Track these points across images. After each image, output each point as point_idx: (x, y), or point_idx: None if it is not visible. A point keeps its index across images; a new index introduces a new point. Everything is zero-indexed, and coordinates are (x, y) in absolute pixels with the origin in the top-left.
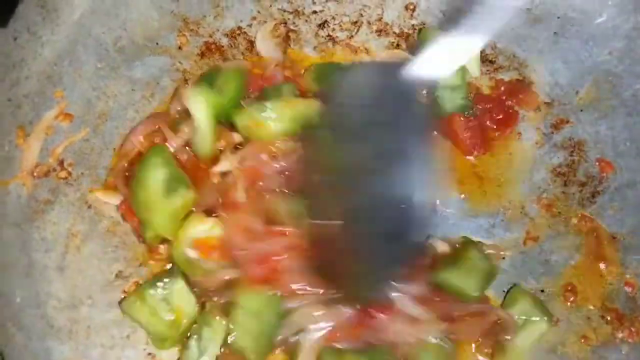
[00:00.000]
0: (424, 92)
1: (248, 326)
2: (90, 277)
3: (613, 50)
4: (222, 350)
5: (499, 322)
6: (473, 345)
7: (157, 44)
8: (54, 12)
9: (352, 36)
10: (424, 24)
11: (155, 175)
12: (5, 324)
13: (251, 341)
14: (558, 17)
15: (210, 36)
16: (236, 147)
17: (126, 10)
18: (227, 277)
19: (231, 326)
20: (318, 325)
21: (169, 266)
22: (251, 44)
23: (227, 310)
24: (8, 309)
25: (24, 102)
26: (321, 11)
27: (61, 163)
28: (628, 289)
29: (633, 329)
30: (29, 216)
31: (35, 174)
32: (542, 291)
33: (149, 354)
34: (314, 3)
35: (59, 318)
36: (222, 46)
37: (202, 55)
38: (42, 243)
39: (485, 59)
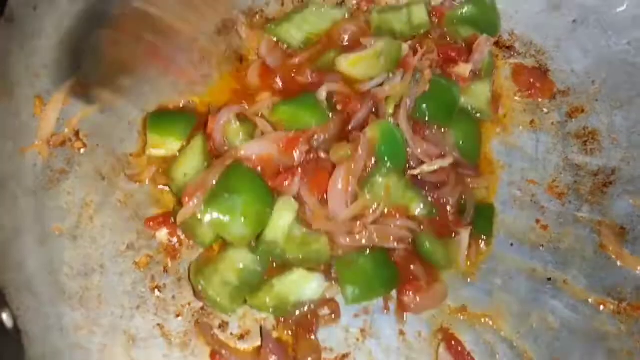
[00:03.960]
0: None
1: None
2: (103, 246)
3: (632, 40)
4: None
5: None
6: None
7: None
8: None
9: None
10: None
11: None
12: (19, 289)
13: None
14: (578, 5)
15: (228, 13)
16: None
17: None
18: None
19: None
20: None
21: None
22: (268, 21)
23: None
24: (22, 274)
25: (42, 72)
26: None
27: (77, 134)
28: None
29: None
30: (44, 185)
31: (51, 143)
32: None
33: (158, 324)
34: None
35: (71, 285)
36: None
37: (219, 32)
38: (56, 211)
39: (502, 44)
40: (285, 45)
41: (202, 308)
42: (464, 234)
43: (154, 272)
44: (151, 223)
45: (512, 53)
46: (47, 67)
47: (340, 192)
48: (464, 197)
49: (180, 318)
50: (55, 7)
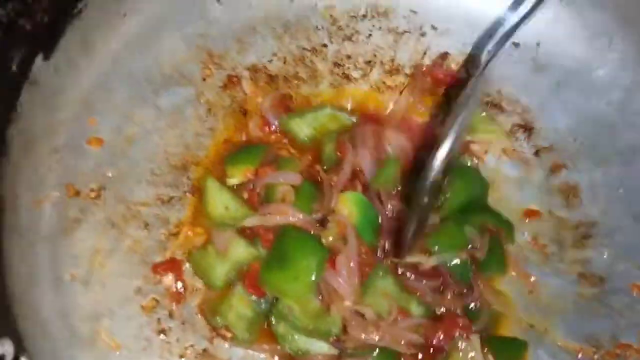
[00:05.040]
0: None
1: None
2: (112, 291)
3: (610, 101)
4: None
5: None
6: None
7: (182, 75)
8: (92, 45)
9: (365, 75)
10: None
11: None
12: (34, 335)
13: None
14: (561, 66)
15: (233, 69)
16: None
17: (157, 43)
18: None
19: None
20: None
21: None
22: (271, 77)
23: None
24: (37, 320)
25: (60, 128)
26: (337, 50)
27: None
28: None
29: None
30: (59, 233)
31: (67, 194)
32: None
33: None
34: (331, 42)
35: (83, 329)
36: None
37: (224, 87)
38: (70, 258)
39: (490, 102)
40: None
41: (204, 350)
42: (475, 340)
43: (160, 316)
44: (158, 269)
45: (499, 111)
46: (65, 123)
47: (346, 284)
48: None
49: (183, 359)
50: (75, 67)
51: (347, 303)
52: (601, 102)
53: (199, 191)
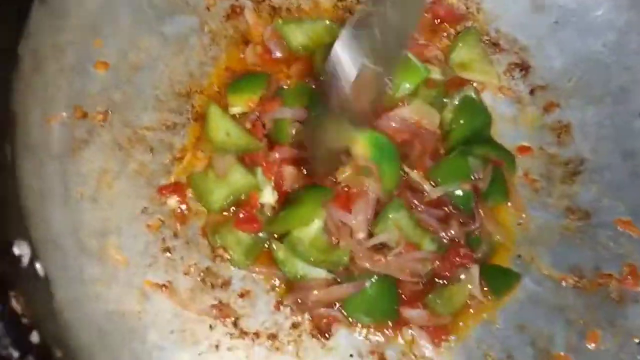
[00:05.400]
0: None
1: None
2: (119, 210)
3: (607, 42)
4: None
5: None
6: None
7: (187, 3)
8: None
9: None
10: None
11: None
12: (46, 244)
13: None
14: (559, 7)
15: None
16: None
17: None
18: None
19: None
20: None
21: None
22: (274, 9)
23: None
24: (49, 232)
25: (67, 49)
26: None
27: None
28: None
29: None
30: (67, 152)
31: (75, 115)
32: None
33: (167, 281)
34: None
35: (91, 243)
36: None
37: (228, 17)
38: (78, 177)
39: (489, 41)
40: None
41: (207, 268)
42: (474, 270)
43: (165, 235)
44: (163, 191)
45: (497, 49)
46: (72, 44)
47: (362, 221)
48: (476, 232)
49: (187, 276)
50: None
51: (361, 235)
52: (597, 42)
53: (202, 118)
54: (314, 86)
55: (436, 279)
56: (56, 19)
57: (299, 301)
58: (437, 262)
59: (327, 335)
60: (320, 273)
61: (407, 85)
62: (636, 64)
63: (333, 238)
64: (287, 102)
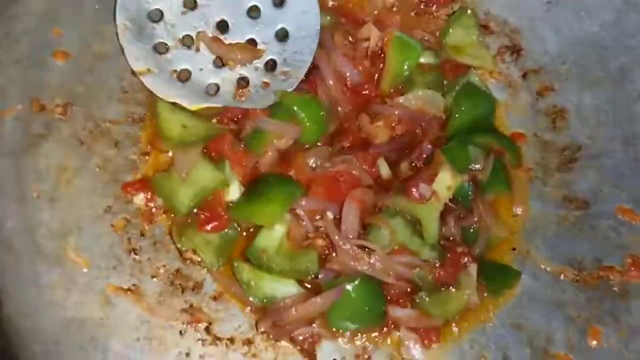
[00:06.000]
0: None
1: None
2: (80, 209)
3: (603, 23)
4: None
5: None
6: None
7: None
8: None
9: None
10: None
11: None
12: None
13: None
14: None
15: None
16: None
17: None
18: None
19: None
20: None
21: None
22: None
23: None
24: (0, 232)
25: (22, 38)
26: None
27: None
28: None
29: None
30: (23, 148)
31: (31, 108)
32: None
33: (133, 284)
34: None
35: (48, 245)
36: None
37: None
38: (34, 174)
39: (478, 24)
40: None
41: (177, 270)
42: (472, 270)
43: (131, 235)
44: (129, 188)
45: (487, 32)
46: (28, 33)
47: (352, 219)
48: (472, 227)
49: (155, 279)
50: None
51: (350, 236)
52: (594, 23)
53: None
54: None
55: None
56: (8, 6)
57: (275, 324)
58: (440, 271)
59: (313, 356)
60: (290, 289)
61: (406, 65)
62: (635, 44)
63: (300, 241)
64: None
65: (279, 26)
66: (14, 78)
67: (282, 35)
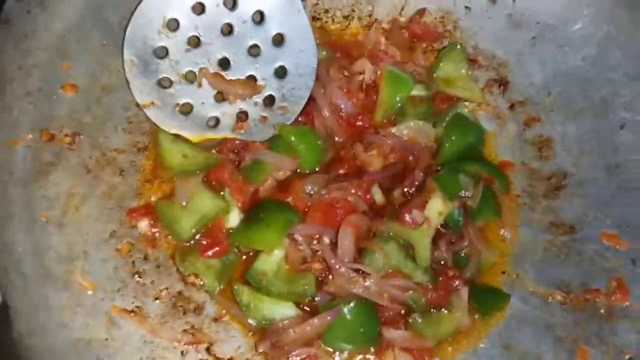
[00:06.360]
0: None
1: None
2: (87, 234)
3: (586, 56)
4: None
5: None
6: None
7: None
8: None
9: (343, 29)
10: None
11: None
12: (7, 269)
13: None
14: (537, 23)
15: None
16: None
17: None
18: None
19: None
20: None
21: None
22: None
23: None
24: (10, 257)
25: (33, 71)
26: (315, 4)
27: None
28: None
29: None
30: (33, 176)
31: (41, 138)
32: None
33: (137, 306)
34: None
35: (57, 269)
36: None
37: None
38: (44, 201)
39: (467, 58)
40: None
41: (179, 292)
42: (463, 293)
43: (135, 259)
44: (133, 214)
45: (476, 66)
46: (39, 67)
47: (348, 244)
48: (463, 252)
49: (158, 301)
50: (47, 10)
51: (346, 260)
52: (577, 56)
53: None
54: None
55: (432, 310)
56: (21, 41)
57: (274, 345)
58: (432, 294)
59: None
60: (288, 311)
61: (399, 98)
62: (617, 77)
63: (297, 265)
64: (275, 148)
65: (278, 64)
66: (25, 109)
67: (281, 73)
